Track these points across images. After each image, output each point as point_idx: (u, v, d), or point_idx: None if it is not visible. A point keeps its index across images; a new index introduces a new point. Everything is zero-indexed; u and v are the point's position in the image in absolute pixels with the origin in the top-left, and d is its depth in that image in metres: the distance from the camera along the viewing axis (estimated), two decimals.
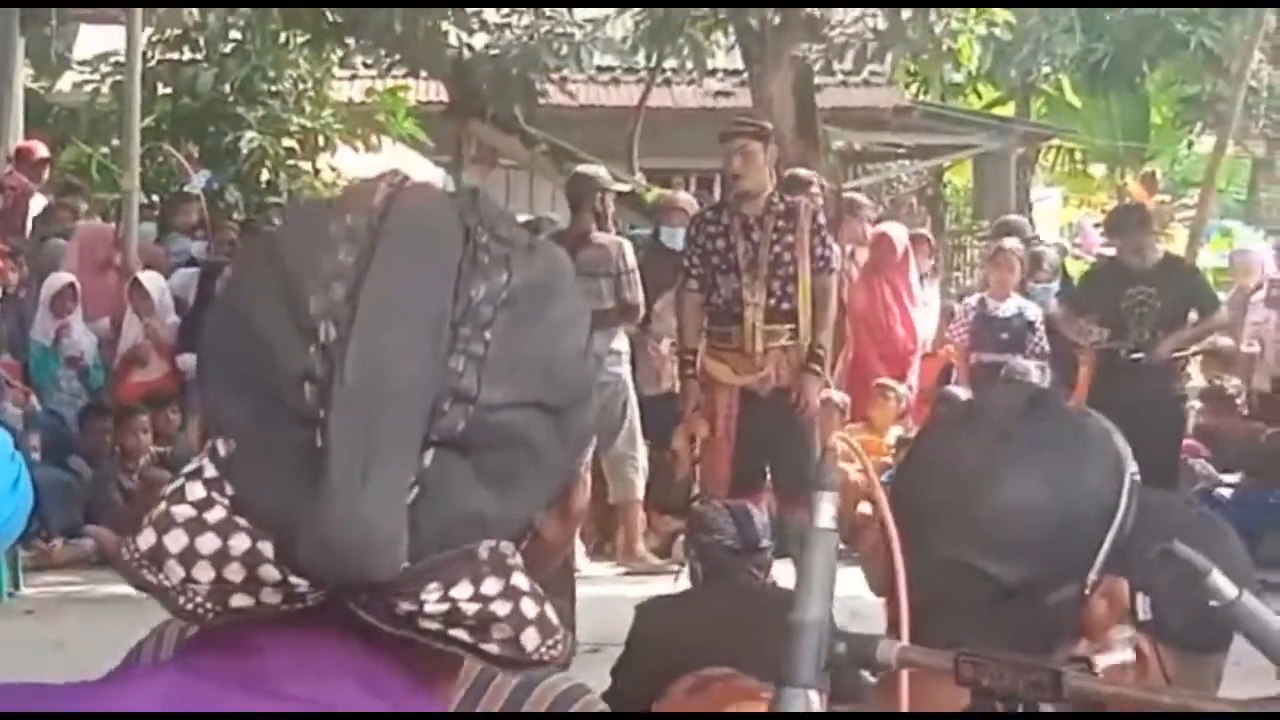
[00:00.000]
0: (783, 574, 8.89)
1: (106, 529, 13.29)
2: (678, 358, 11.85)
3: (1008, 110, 27.30)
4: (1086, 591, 2.41)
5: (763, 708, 2.20)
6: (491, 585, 1.43)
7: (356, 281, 1.42)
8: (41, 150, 17.17)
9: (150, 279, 15.41)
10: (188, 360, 13.79)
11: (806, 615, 1.99)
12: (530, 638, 1.44)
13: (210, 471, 1.43)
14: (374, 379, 1.40)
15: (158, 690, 1.52)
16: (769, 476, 11.27)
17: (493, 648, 1.44)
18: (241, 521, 1.41)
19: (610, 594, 9.99)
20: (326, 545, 1.38)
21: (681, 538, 10.21)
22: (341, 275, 1.43)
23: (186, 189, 17.59)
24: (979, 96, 25.94)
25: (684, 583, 8.01)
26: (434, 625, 1.42)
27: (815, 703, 2.00)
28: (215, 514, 1.41)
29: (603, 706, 3.00)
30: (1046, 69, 26.59)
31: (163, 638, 2.81)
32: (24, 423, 13.23)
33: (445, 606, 1.42)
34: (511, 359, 1.45)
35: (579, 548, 11.93)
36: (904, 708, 2.06)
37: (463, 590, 1.42)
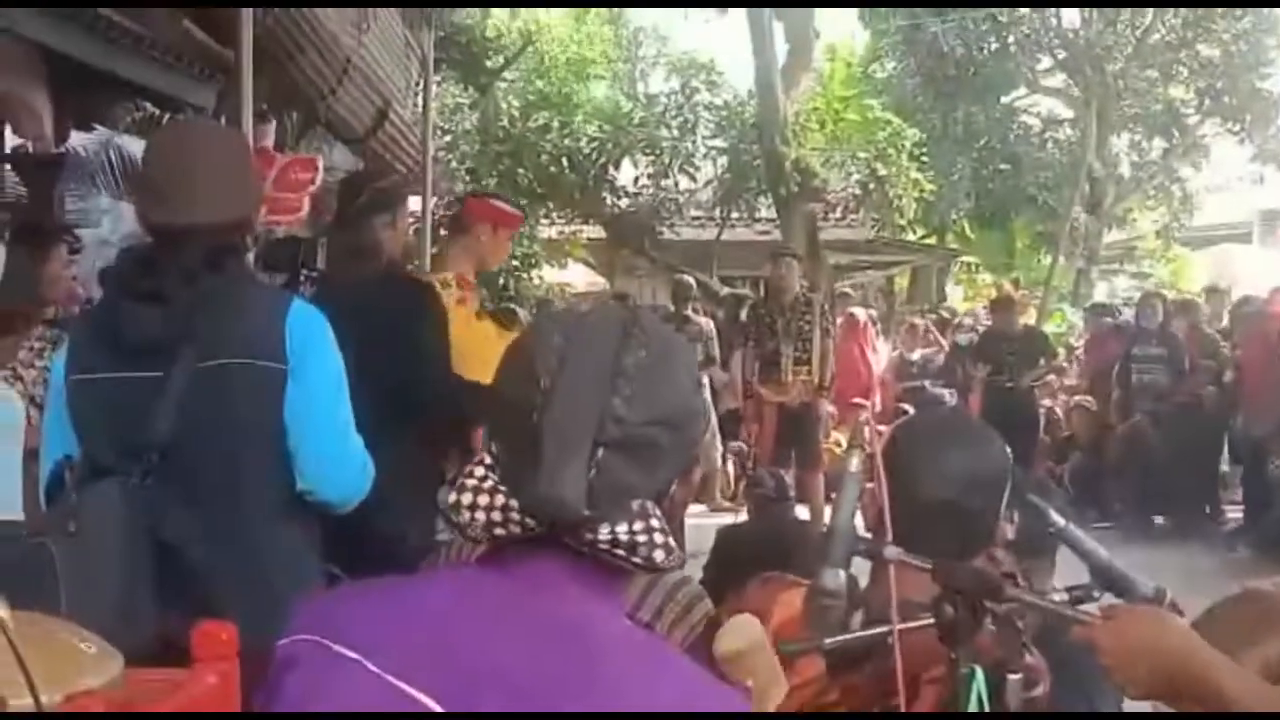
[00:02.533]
0: (800, 513, 9.11)
1: None
2: (741, 387, 11.78)
3: (931, 240, 26.81)
4: (1000, 518, 2.46)
5: (802, 593, 2.16)
6: (638, 525, 1.48)
7: (562, 355, 1.48)
8: None
9: None
10: None
11: (838, 523, 2.07)
12: (659, 555, 1.48)
13: (488, 460, 1.52)
14: (566, 409, 1.46)
15: (459, 580, 1.61)
16: (794, 455, 11.15)
17: (638, 560, 1.49)
18: (502, 488, 1.49)
19: (702, 524, 8.97)
20: (542, 498, 1.45)
21: (742, 490, 10.42)
22: (554, 349, 1.49)
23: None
24: (914, 232, 25.15)
25: (743, 517, 8.10)
26: (605, 547, 1.48)
27: (843, 577, 2.04)
28: (488, 484, 1.49)
29: (708, 602, 3.07)
30: (954, 217, 26.09)
31: (458, 550, 3.07)
32: None
33: (610, 537, 1.47)
34: (648, 397, 1.49)
35: None
36: (893, 594, 2.00)
37: (621, 528, 1.47)
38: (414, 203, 18.42)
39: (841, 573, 2.02)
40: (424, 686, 1.41)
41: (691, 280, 15.11)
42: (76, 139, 11.06)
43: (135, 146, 13.73)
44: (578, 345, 1.50)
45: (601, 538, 1.47)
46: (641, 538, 1.47)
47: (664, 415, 1.50)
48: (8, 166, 11.30)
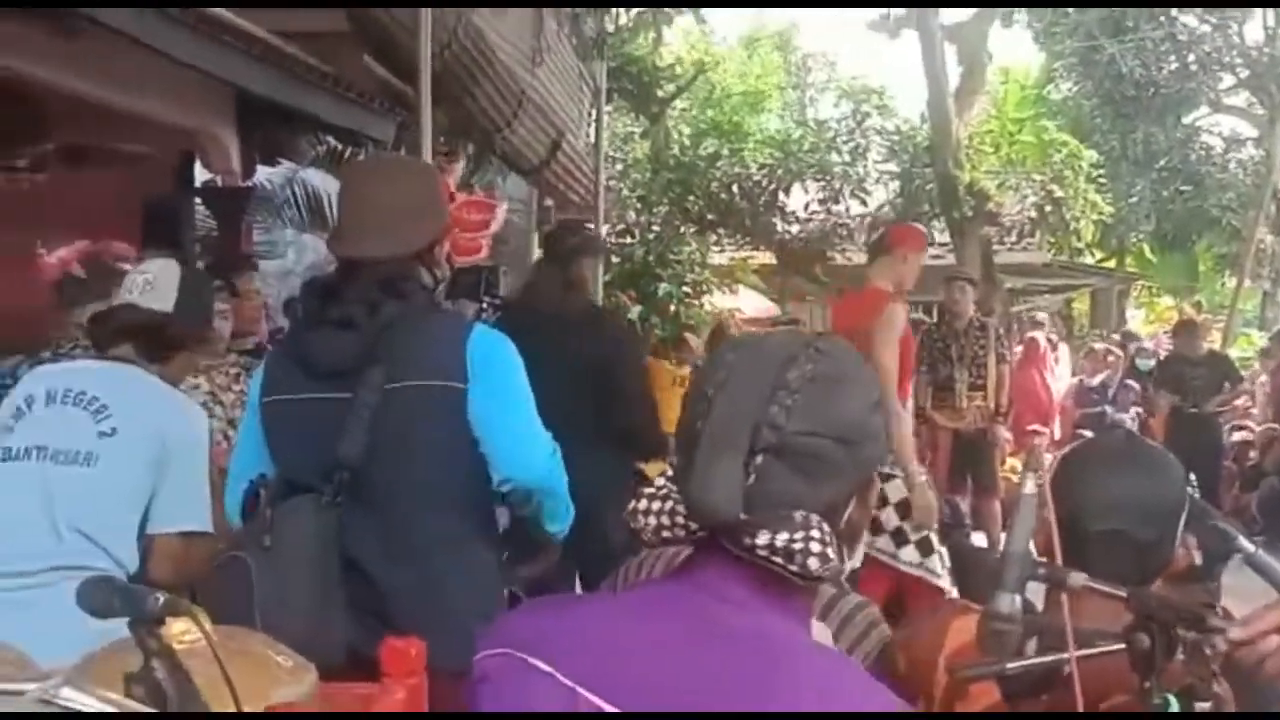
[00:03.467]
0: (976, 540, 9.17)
1: None
2: (916, 412, 11.29)
3: (1110, 264, 26.44)
4: (1176, 545, 2.41)
5: (976, 619, 2.07)
6: (798, 535, 1.48)
7: (730, 369, 1.52)
8: None
9: None
10: None
11: (1013, 547, 2.02)
12: (813, 563, 1.48)
13: (669, 472, 1.57)
14: (724, 416, 1.49)
15: (645, 594, 1.65)
16: (969, 481, 11.07)
17: (794, 568, 1.49)
18: (676, 495, 1.53)
19: None
20: (697, 499, 1.48)
21: None
22: (725, 366, 1.53)
23: (629, 318, 16.56)
24: (1092, 255, 24.96)
25: None
26: (763, 554, 1.48)
27: (1018, 602, 2.00)
28: (663, 492, 1.54)
29: (885, 627, 2.85)
30: (1134, 239, 25.86)
31: (638, 567, 3.17)
32: None
33: (769, 543, 1.48)
34: (810, 409, 1.50)
35: None
36: (1067, 622, 1.95)
37: (781, 536, 1.47)
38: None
39: (1016, 598, 2.00)
40: (612, 698, 1.44)
41: None
42: (263, 173, 11.44)
43: (318, 180, 14.22)
44: (745, 360, 1.53)
45: (760, 543, 1.48)
46: (798, 545, 1.48)
47: (829, 429, 1.51)
48: (198, 200, 11.71)
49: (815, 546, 1.48)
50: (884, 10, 22.09)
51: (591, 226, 9.22)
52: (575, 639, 1.50)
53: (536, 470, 3.14)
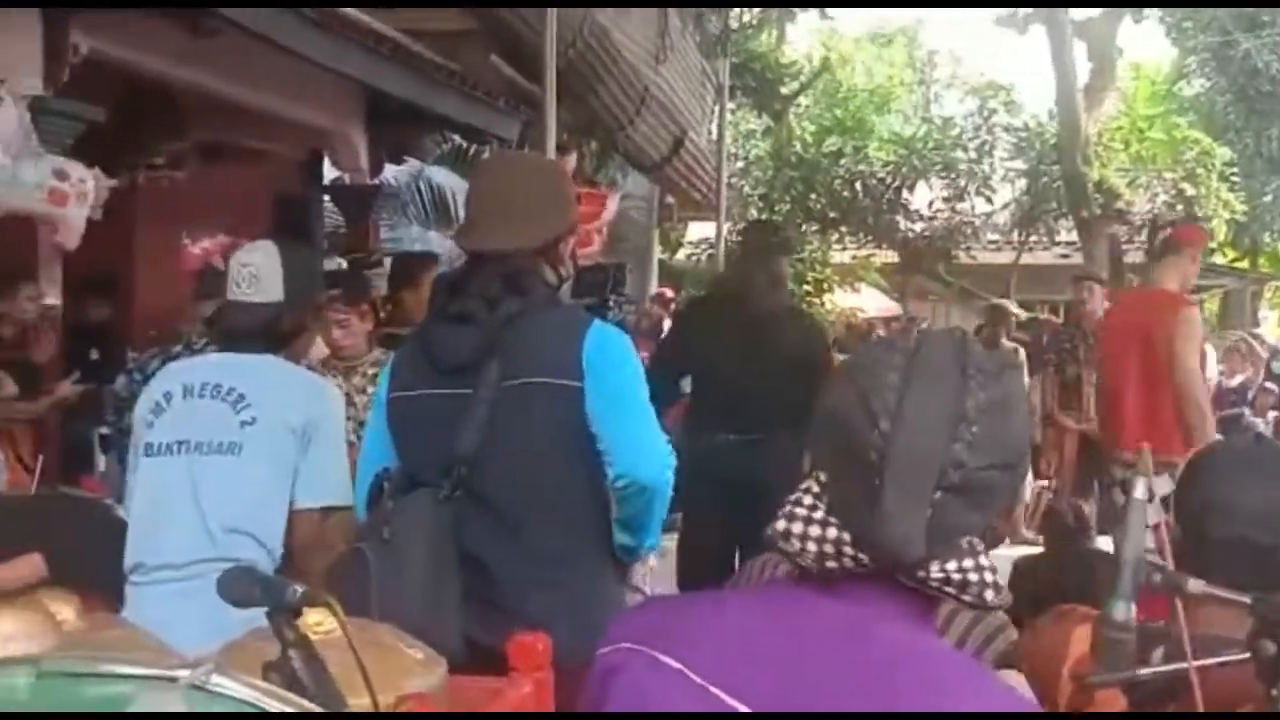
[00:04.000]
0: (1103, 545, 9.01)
1: None
2: (1041, 414, 11.19)
3: (1243, 264, 25.85)
4: None
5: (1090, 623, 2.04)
6: (968, 562, 1.47)
7: (900, 396, 1.46)
8: (669, 293, 16.90)
9: None
10: None
11: (1125, 554, 1.98)
12: (989, 594, 1.48)
13: (815, 489, 1.51)
14: (908, 455, 1.44)
15: (779, 597, 1.58)
16: (1096, 485, 10.43)
17: (968, 598, 1.48)
18: (833, 519, 1.48)
19: (998, 554, 8.70)
20: (881, 543, 1.44)
21: (1039, 521, 9.76)
22: (892, 389, 1.47)
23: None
24: (1224, 255, 24.49)
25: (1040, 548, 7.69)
26: (935, 585, 1.48)
27: (1132, 609, 1.97)
28: (818, 514, 1.49)
29: (1013, 631, 2.91)
30: (1268, 240, 25.36)
31: (761, 568, 2.95)
32: None
33: (943, 575, 1.47)
34: (989, 441, 1.47)
35: None
36: (1184, 629, 1.93)
37: (951, 565, 1.47)
38: (708, 228, 18.86)
39: (1132, 605, 1.96)
40: (746, 699, 1.43)
41: (1010, 306, 14.72)
42: (389, 171, 11.60)
43: (442, 177, 14.38)
44: (917, 387, 1.47)
45: (934, 575, 1.47)
46: (973, 576, 1.47)
47: (1004, 458, 1.49)
48: (326, 197, 11.92)
49: (988, 576, 1.47)
50: (1014, 7, 21.78)
51: (783, 225, 9.55)
52: (706, 637, 1.49)
53: (654, 468, 3.12)
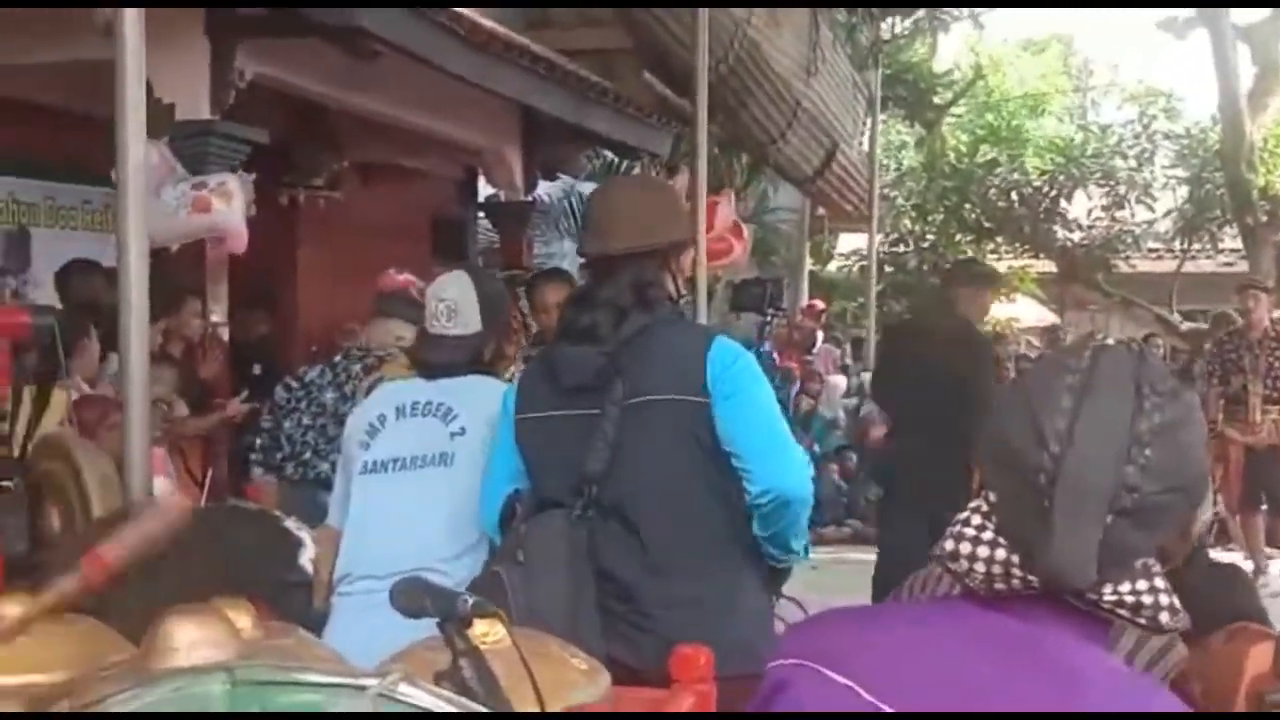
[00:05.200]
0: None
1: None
2: (1208, 425, 11.23)
3: None
4: None
5: (1274, 644, 2.04)
6: (1141, 584, 1.45)
7: (1072, 418, 1.44)
8: (819, 305, 16.65)
9: None
10: None
11: None
12: (1164, 617, 1.45)
13: (984, 509, 1.48)
14: (1078, 479, 1.41)
15: (950, 615, 1.55)
16: (1265, 500, 10.56)
17: (1141, 620, 1.46)
18: (1002, 540, 1.46)
19: None
20: (1053, 567, 1.42)
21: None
22: (1063, 411, 1.44)
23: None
24: None
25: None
26: (1108, 607, 1.45)
27: None
28: (986, 535, 1.47)
29: (1183, 648, 2.74)
30: None
31: (922, 584, 2.70)
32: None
33: (1115, 598, 1.45)
34: (1161, 466, 1.43)
35: None
36: None
37: (1124, 587, 1.44)
38: (859, 239, 18.71)
39: None
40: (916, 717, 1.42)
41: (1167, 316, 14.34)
42: (543, 187, 11.76)
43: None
44: (1089, 408, 1.44)
45: (1106, 598, 1.44)
46: (1147, 599, 1.44)
47: (1179, 482, 1.45)
48: (481, 214, 12.13)
49: (1163, 599, 1.44)
50: (1174, 10, 21.35)
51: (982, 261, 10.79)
52: (876, 654, 1.48)
53: (795, 480, 3.11)
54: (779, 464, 3.07)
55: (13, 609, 1.94)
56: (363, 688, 1.09)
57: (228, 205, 6.15)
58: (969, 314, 7.14)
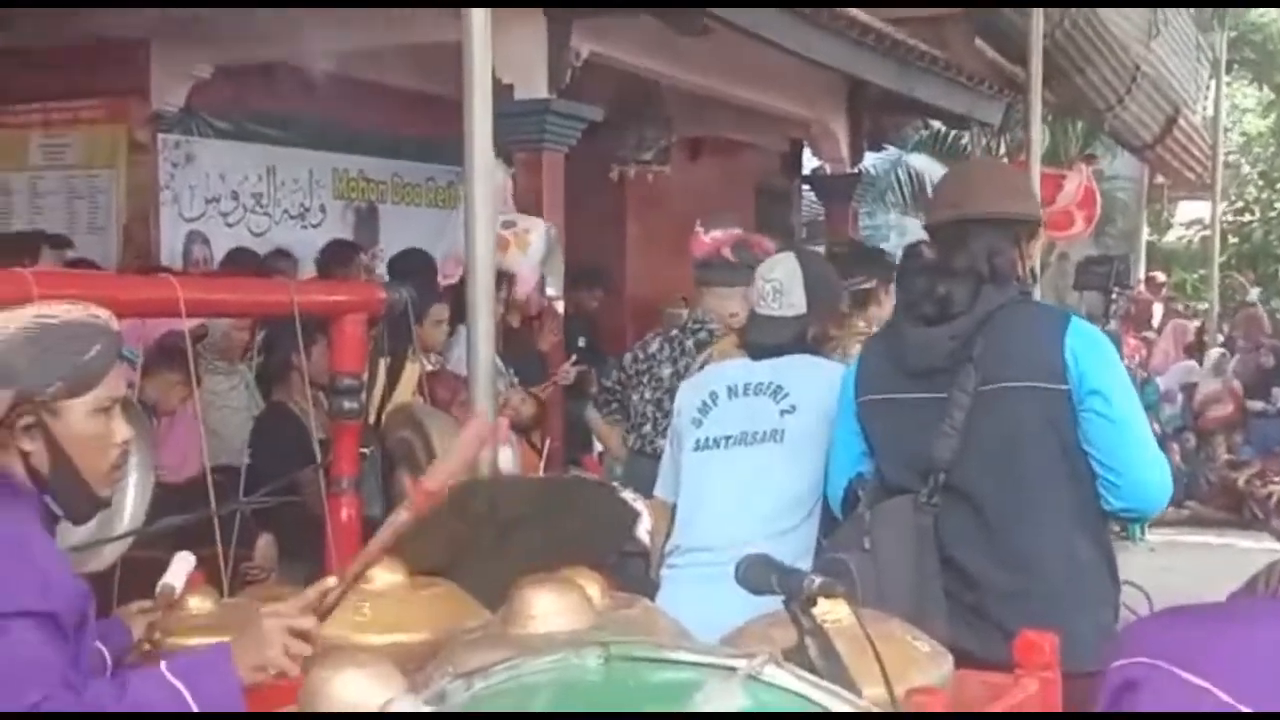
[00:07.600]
0: None
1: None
2: None
3: None
4: None
5: None
6: None
7: None
8: (1160, 277, 16.26)
9: None
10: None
11: None
12: None
13: None
14: None
15: None
16: None
17: None
18: None
19: None
20: None
21: None
22: None
23: (1247, 300, 15.61)
24: None
25: None
26: None
27: None
28: None
29: None
30: None
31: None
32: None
33: None
34: None
35: None
36: None
37: None
38: (1200, 208, 17.96)
39: None
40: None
41: None
42: (869, 158, 11.68)
43: (921, 164, 14.35)
44: None
45: None
46: None
47: None
48: (805, 186, 12.14)
49: None
50: None
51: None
52: (1236, 653, 1.42)
53: (1157, 498, 3.01)
54: (1146, 482, 2.96)
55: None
56: (733, 669, 1.11)
57: (523, 253, 6.45)
58: None
